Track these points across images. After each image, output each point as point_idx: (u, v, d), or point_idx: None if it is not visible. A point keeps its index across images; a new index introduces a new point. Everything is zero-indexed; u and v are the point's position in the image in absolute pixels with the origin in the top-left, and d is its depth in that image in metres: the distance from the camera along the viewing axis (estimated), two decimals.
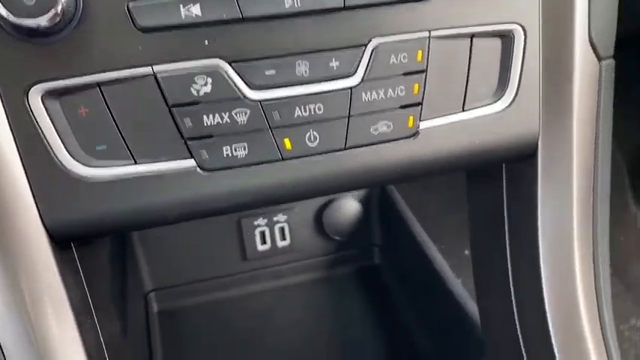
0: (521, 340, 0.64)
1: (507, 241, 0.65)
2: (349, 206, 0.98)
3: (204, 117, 0.45)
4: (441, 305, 0.85)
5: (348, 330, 0.93)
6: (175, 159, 0.46)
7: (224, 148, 0.46)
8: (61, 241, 0.47)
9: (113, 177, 0.45)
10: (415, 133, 0.50)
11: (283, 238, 0.98)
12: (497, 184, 0.63)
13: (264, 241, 0.97)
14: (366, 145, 0.49)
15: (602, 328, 0.60)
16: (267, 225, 0.96)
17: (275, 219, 0.96)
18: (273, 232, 0.97)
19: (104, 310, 0.58)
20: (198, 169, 0.46)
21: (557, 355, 0.58)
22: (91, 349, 0.50)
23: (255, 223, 0.96)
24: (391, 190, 1.00)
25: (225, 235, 0.96)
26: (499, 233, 0.65)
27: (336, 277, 1.01)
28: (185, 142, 0.46)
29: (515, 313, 0.65)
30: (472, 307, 0.77)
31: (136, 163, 0.46)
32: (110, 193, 0.46)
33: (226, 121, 0.46)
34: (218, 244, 0.96)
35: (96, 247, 0.62)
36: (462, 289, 0.80)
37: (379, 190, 1.01)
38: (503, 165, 0.62)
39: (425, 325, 0.90)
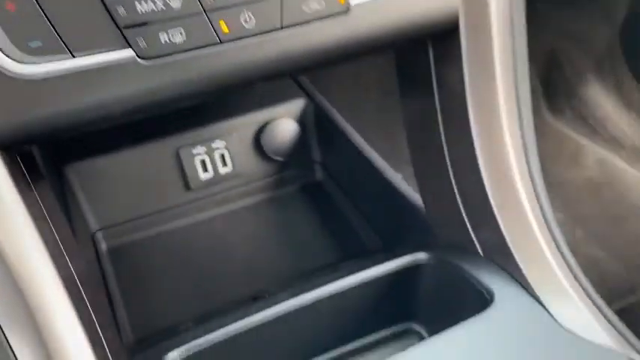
0: (464, 214, 0.69)
1: (440, 124, 0.69)
2: (286, 126, 0.99)
3: (137, 4, 0.45)
4: (385, 202, 0.89)
5: (300, 240, 0.96)
6: (113, 50, 0.46)
7: (161, 35, 0.46)
8: (3, 147, 0.46)
9: (51, 73, 0.44)
10: (347, 10, 0.52)
11: (224, 164, 0.98)
12: (426, 66, 0.67)
13: (205, 170, 0.97)
14: (302, 24, 0.51)
15: (536, 195, 0.65)
16: (206, 153, 0.96)
17: (214, 146, 0.96)
18: (213, 160, 0.97)
19: (65, 236, 0.57)
20: (137, 58, 0.46)
21: (497, 216, 0.63)
22: (62, 270, 0.50)
23: (194, 151, 0.95)
24: (326, 105, 1.02)
25: (165, 167, 0.95)
26: (431, 116, 0.69)
27: (281, 197, 1.04)
28: (121, 31, 0.45)
29: (456, 189, 0.69)
30: (415, 197, 0.81)
31: (73, 57, 0.45)
32: (50, 91, 0.45)
33: (160, 7, 0.46)
34: (159, 178, 0.95)
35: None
36: (405, 184, 0.85)
37: (315, 108, 1.03)
38: (431, 48, 0.66)
39: (372, 224, 0.95)
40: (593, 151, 1.48)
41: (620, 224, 1.29)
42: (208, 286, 0.89)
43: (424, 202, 0.78)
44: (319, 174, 1.06)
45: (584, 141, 1.51)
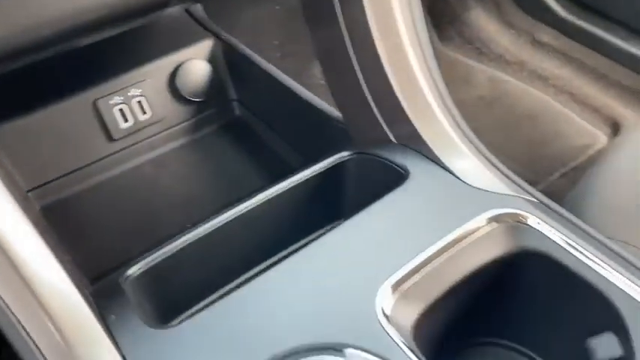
0: (378, 114, 0.77)
1: (349, 47, 0.75)
2: (198, 67, 1.02)
3: None
4: (305, 122, 0.95)
5: (229, 173, 1.01)
6: None
7: None
8: None
9: None
10: None
11: (144, 111, 1.00)
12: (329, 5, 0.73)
13: (125, 119, 0.98)
14: None
15: (436, 86, 0.73)
16: (124, 102, 0.98)
17: (130, 94, 0.98)
18: (132, 108, 0.98)
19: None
20: None
21: (406, 109, 0.72)
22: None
23: (111, 102, 0.96)
24: (234, 42, 1.05)
25: (85, 121, 0.95)
26: (340, 41, 0.75)
27: (204, 137, 1.07)
28: None
29: (369, 95, 0.77)
30: (333, 111, 0.88)
31: None
32: None
33: None
34: (81, 132, 0.96)
35: None
36: (321, 101, 0.91)
37: (223, 46, 1.06)
38: None
39: (296, 147, 1.01)
40: (482, 70, 1.62)
41: (513, 131, 1.44)
42: (148, 227, 0.92)
43: (342, 113, 0.85)
44: (238, 110, 1.10)
45: (473, 63, 1.65)
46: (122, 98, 0.97)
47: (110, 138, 0.98)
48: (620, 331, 0.53)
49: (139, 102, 0.99)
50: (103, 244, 0.89)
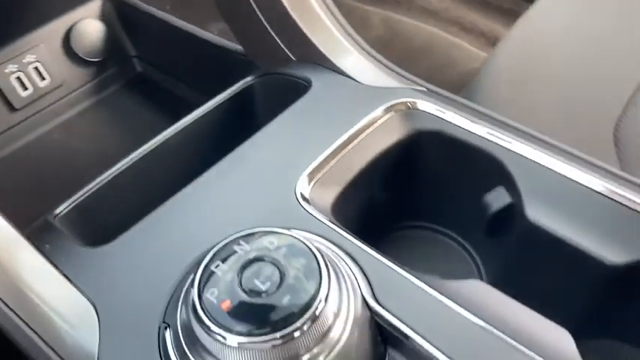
0: (276, 37, 0.80)
1: None
2: (91, 26, 1.02)
3: None
4: (209, 63, 0.98)
5: (141, 127, 1.02)
6: None
7: None
8: None
9: None
10: None
11: (42, 77, 0.98)
12: None
13: (24, 87, 0.97)
14: None
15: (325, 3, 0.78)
16: (19, 69, 0.96)
17: (25, 61, 0.96)
18: (29, 75, 0.97)
19: None
20: None
21: (302, 28, 0.76)
22: None
23: (6, 71, 0.94)
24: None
25: None
26: None
27: (109, 96, 1.07)
28: None
29: (265, 21, 0.80)
30: (235, 46, 0.91)
31: None
32: None
33: None
34: None
35: None
36: (222, 39, 0.93)
37: (114, 4, 1.05)
38: None
39: (204, 91, 1.03)
40: (376, 13, 1.70)
41: (411, 64, 1.52)
42: (68, 187, 0.92)
43: (243, 46, 0.88)
44: (139, 67, 1.11)
45: (367, 7, 1.72)
46: (17, 66, 0.96)
47: (12, 108, 0.96)
48: (509, 183, 0.61)
49: (36, 68, 0.98)
50: (25, 206, 0.88)
